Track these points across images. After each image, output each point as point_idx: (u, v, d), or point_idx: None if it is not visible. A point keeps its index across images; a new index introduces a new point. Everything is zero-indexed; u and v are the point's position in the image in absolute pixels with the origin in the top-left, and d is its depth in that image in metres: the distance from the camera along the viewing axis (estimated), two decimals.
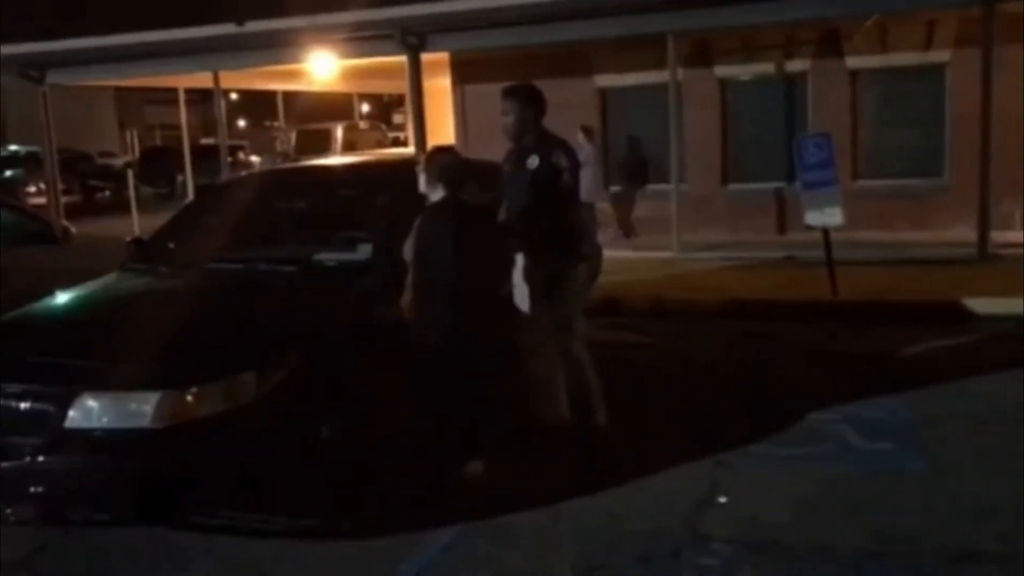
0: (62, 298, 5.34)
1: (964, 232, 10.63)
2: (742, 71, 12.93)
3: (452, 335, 4.54)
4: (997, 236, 10.51)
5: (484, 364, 4.68)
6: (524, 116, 5.04)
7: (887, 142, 12.35)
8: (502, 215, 5.14)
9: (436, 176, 4.70)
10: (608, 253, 8.12)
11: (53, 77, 14.81)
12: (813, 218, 8.57)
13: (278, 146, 23.66)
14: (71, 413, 4.04)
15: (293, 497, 4.25)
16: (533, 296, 4.97)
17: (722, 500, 4.54)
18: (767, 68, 12.72)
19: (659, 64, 11.72)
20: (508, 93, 5.08)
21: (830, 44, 12.31)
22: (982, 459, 4.92)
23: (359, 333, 4.64)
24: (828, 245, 8.59)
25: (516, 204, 5.05)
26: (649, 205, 12.44)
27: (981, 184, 10.24)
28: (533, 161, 4.96)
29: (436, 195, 4.72)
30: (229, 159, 17.74)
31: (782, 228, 12.47)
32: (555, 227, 4.99)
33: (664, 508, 4.45)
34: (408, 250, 4.74)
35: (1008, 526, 4.13)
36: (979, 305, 8.00)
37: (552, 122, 5.17)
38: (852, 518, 4.30)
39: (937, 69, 11.98)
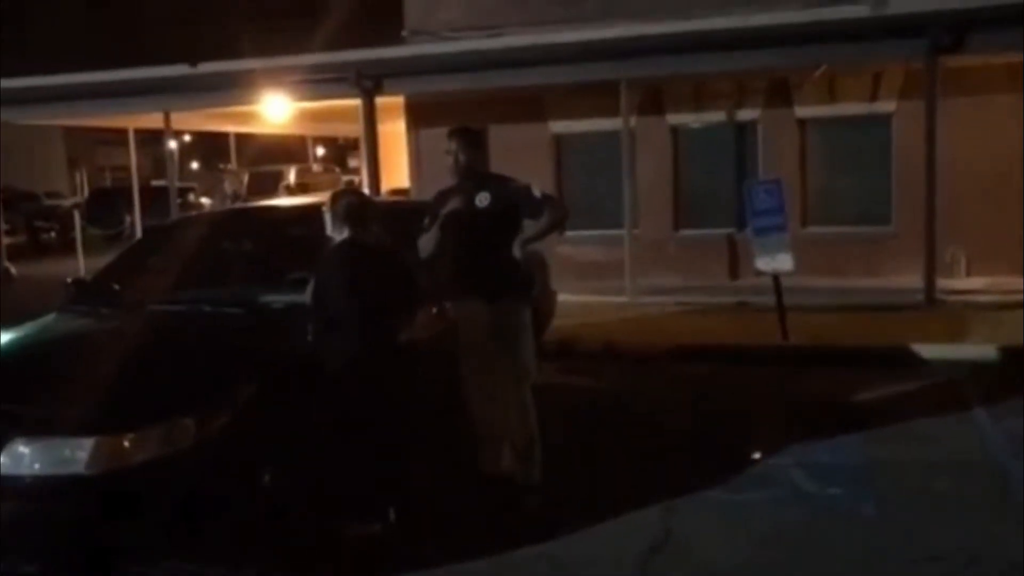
0: None
1: (911, 278, 10.79)
2: (693, 119, 13.09)
3: (349, 380, 4.43)
4: (943, 283, 10.69)
5: (391, 412, 4.53)
6: (473, 155, 5.04)
7: (835, 190, 12.54)
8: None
9: (341, 217, 4.64)
10: (561, 297, 8.14)
11: (1, 115, 14.52)
12: (764, 263, 8.65)
13: (227, 187, 23.42)
14: (1, 459, 3.88)
15: (233, 545, 4.11)
16: (478, 342, 4.91)
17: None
18: (718, 116, 12.89)
19: (612, 111, 11.81)
20: (456, 133, 5.07)
21: (780, 93, 12.52)
22: (931, 503, 4.92)
23: (305, 376, 4.53)
24: (779, 290, 8.66)
25: (462, 244, 4.98)
26: (602, 249, 12.47)
27: (927, 232, 10.41)
28: (484, 199, 4.94)
29: (340, 236, 4.66)
30: (179, 201, 17.53)
31: (734, 273, 12.56)
32: (505, 266, 4.94)
33: (616, 556, 4.38)
34: (309, 293, 4.66)
35: (956, 570, 4.13)
36: (927, 350, 8.08)
37: (507, 167, 5.17)
38: (804, 563, 4.27)
39: (883, 119, 12.22)
